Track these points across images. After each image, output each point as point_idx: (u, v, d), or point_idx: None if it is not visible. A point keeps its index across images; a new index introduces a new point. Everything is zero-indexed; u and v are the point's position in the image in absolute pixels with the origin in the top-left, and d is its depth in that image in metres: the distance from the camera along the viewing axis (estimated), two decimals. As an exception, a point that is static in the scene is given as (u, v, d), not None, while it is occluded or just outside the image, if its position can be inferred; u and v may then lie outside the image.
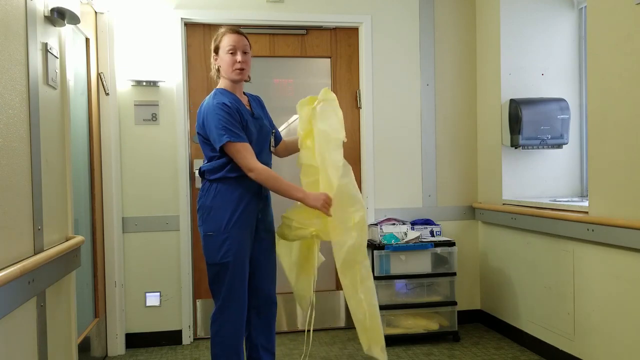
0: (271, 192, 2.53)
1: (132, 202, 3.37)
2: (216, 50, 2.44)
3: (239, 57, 2.37)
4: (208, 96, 2.41)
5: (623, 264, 2.45)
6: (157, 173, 3.40)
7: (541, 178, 3.48)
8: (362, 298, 2.42)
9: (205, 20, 3.47)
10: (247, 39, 2.43)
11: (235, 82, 2.43)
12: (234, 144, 2.26)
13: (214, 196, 2.35)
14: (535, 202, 3.20)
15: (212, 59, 2.48)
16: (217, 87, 2.47)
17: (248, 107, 2.47)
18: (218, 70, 2.46)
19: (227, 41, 2.38)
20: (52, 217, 1.99)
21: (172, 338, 3.44)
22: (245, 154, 2.28)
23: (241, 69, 2.38)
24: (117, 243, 3.29)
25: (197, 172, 3.26)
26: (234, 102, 2.36)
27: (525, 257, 3.24)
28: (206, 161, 2.42)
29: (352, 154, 3.71)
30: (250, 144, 2.32)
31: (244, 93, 2.53)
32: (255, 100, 2.58)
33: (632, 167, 2.37)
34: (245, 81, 2.51)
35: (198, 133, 2.41)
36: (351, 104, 3.68)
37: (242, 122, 2.34)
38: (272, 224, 2.56)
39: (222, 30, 2.43)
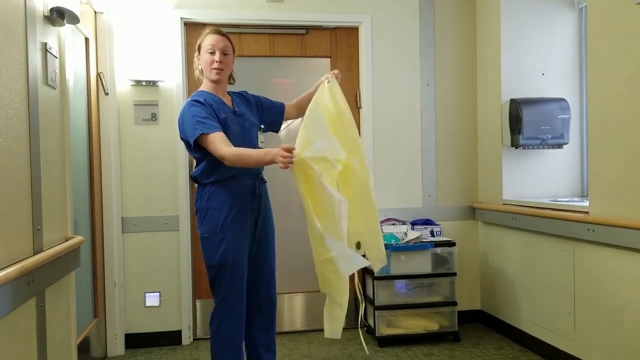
0: (269, 192, 2.54)
1: (131, 202, 3.37)
2: (199, 50, 2.43)
3: (216, 57, 2.36)
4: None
5: (623, 264, 2.45)
6: (157, 173, 3.40)
7: (541, 178, 3.47)
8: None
9: (205, 20, 3.46)
10: (229, 40, 2.42)
11: (213, 82, 2.42)
12: (207, 136, 2.23)
13: (209, 198, 2.35)
14: (535, 202, 3.20)
15: (195, 59, 2.47)
16: (199, 89, 2.47)
17: (230, 106, 2.46)
18: (202, 71, 2.46)
19: (207, 41, 2.38)
20: (51, 217, 1.99)
21: (172, 338, 3.44)
22: (217, 144, 2.21)
23: (219, 69, 2.37)
24: (116, 243, 3.29)
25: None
26: (208, 99, 2.36)
27: (525, 257, 3.23)
28: (195, 165, 2.42)
29: (352, 154, 3.70)
30: (232, 140, 2.29)
31: (228, 92, 2.52)
32: (239, 97, 2.55)
33: (632, 167, 2.37)
34: (230, 83, 2.52)
35: (182, 139, 2.40)
36: (351, 104, 3.65)
37: (217, 117, 2.32)
38: (271, 223, 2.55)
39: (205, 30, 2.44)
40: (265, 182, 2.54)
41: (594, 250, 2.63)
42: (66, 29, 2.22)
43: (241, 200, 2.36)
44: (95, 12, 3.19)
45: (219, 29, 2.43)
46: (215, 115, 2.32)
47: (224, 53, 2.38)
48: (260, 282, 2.49)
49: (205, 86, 2.45)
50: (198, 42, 2.43)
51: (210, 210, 2.34)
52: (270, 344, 2.55)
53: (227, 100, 2.47)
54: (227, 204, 2.33)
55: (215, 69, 2.37)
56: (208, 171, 2.34)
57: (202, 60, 2.41)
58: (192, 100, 2.35)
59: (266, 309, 2.52)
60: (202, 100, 2.34)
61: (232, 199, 2.34)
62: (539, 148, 3.37)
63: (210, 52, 2.37)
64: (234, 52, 2.46)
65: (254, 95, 2.62)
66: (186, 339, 3.45)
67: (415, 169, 3.70)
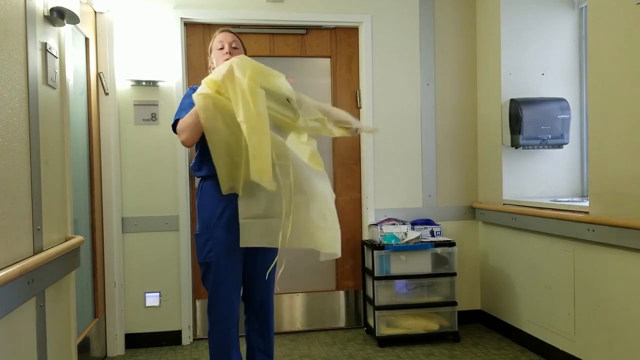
0: None
1: (131, 202, 3.37)
2: (211, 52, 2.51)
3: (226, 50, 2.44)
4: None
5: (623, 264, 2.45)
6: (157, 173, 3.40)
7: (541, 178, 3.47)
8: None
9: (205, 20, 3.46)
10: (236, 36, 2.51)
11: None
12: (179, 121, 2.26)
13: (201, 196, 2.37)
14: (535, 202, 3.20)
15: (209, 63, 2.54)
16: None
17: None
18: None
19: (216, 39, 2.48)
20: (51, 218, 1.99)
21: (172, 338, 3.44)
22: (179, 127, 2.24)
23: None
24: (116, 243, 3.29)
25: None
26: None
27: (525, 257, 3.23)
28: None
29: (353, 154, 3.71)
30: None
31: None
32: None
33: (632, 167, 2.37)
34: None
35: None
36: (351, 104, 3.68)
37: None
38: None
39: (215, 33, 2.52)
40: None
41: (594, 250, 2.63)
42: (66, 29, 2.23)
43: (228, 200, 2.30)
44: (95, 12, 3.19)
45: (227, 28, 2.54)
46: None
47: (232, 47, 2.45)
48: (255, 286, 2.45)
49: None
50: (209, 46, 2.51)
51: (201, 209, 2.36)
52: (267, 348, 2.52)
53: None
54: (214, 203, 2.31)
55: (226, 59, 2.39)
56: (198, 163, 2.37)
57: (215, 58, 2.47)
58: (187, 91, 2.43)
59: (263, 313, 2.49)
60: (193, 91, 2.35)
61: (219, 199, 2.30)
62: (539, 148, 3.37)
63: (220, 48, 2.45)
64: (245, 50, 2.51)
65: None
66: (186, 339, 3.45)
67: (415, 169, 3.70)
